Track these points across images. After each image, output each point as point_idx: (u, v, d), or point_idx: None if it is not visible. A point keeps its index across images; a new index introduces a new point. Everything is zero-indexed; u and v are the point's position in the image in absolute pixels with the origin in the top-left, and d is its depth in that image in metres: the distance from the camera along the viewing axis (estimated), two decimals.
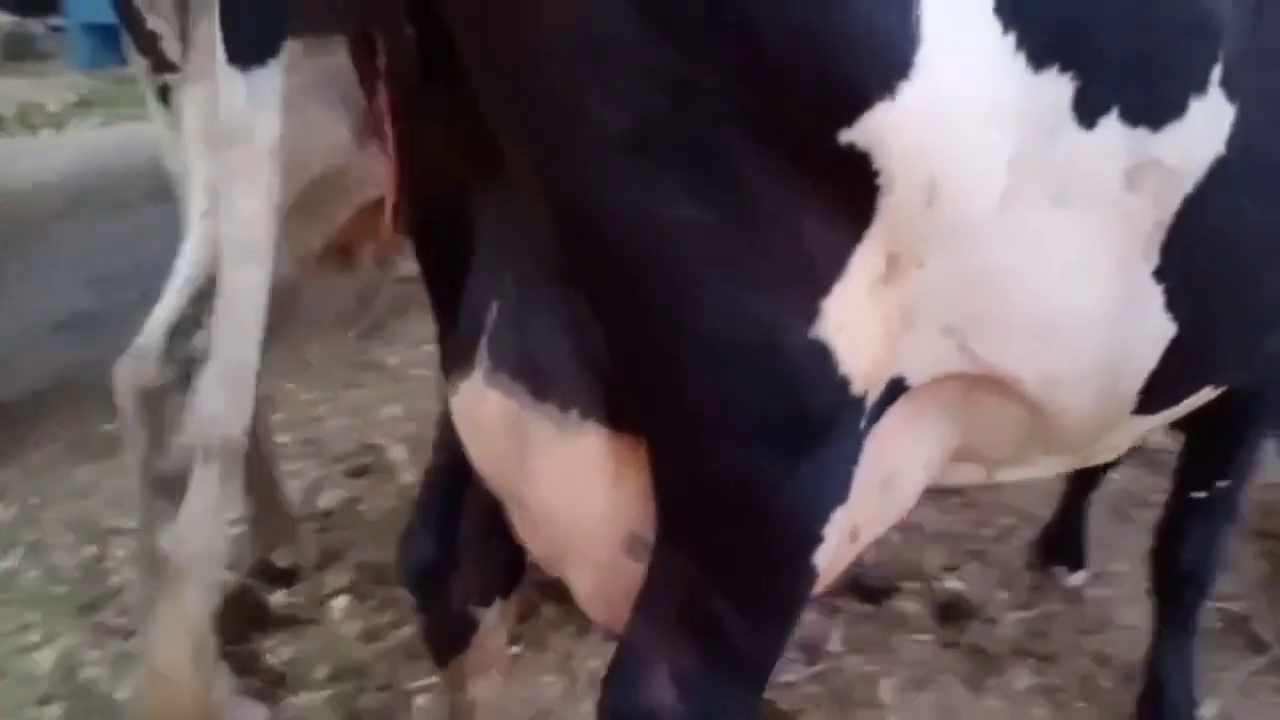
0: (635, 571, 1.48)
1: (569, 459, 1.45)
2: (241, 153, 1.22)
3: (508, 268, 1.46)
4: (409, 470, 3.40)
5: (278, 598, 2.79)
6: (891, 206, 1.23)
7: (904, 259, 1.31)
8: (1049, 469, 1.94)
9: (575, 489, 1.47)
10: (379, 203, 2.42)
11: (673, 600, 1.44)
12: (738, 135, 1.15)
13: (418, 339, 4.29)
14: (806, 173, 1.19)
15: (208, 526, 1.42)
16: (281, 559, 2.85)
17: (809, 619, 2.55)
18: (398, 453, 3.50)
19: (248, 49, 1.23)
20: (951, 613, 2.75)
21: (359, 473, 3.38)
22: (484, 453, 1.55)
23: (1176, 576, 2.28)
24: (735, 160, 1.17)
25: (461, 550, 1.82)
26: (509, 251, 1.45)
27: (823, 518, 1.41)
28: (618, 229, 1.21)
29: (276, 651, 2.61)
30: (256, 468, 2.69)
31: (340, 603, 2.79)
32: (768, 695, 2.35)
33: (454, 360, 1.57)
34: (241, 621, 2.56)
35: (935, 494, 1.68)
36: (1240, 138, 1.39)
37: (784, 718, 2.39)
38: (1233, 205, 1.46)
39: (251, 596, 2.72)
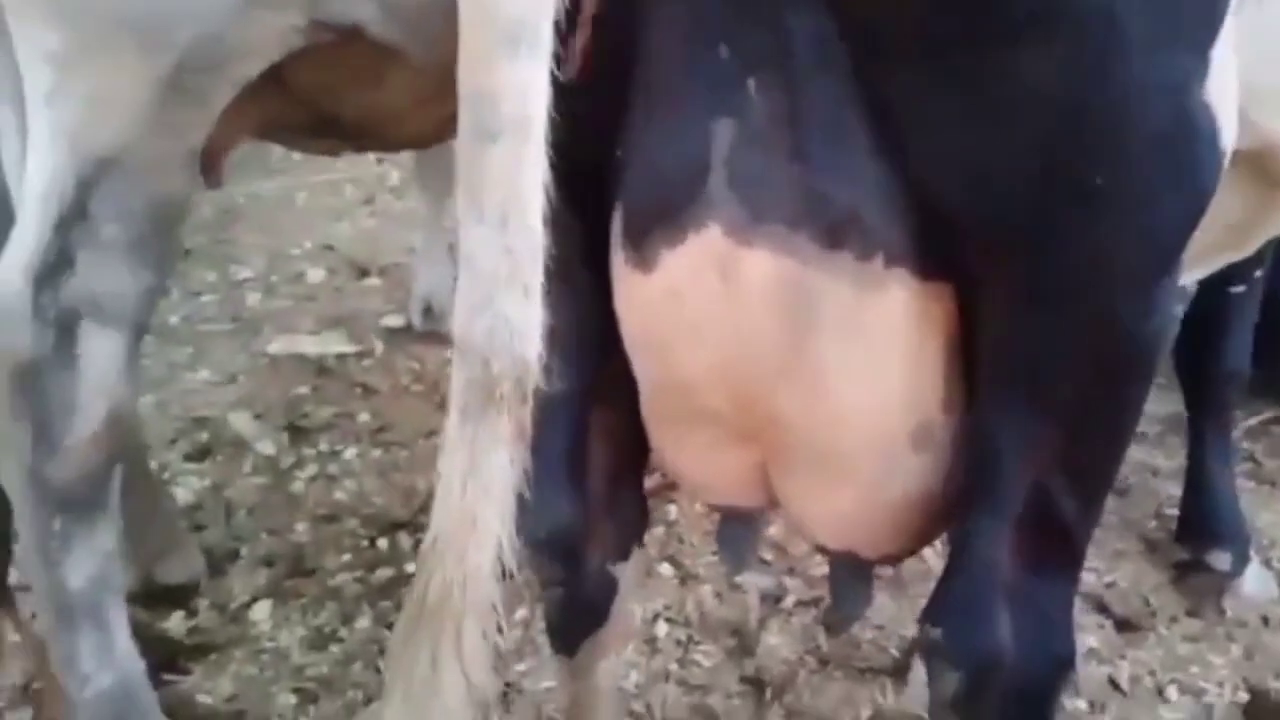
0: (913, 471, 1.16)
1: (865, 325, 1.07)
2: None
3: (749, 69, 1.01)
4: (264, 439, 2.76)
5: (175, 624, 2.14)
6: None
7: None
8: (1194, 277, 1.76)
9: (868, 366, 1.09)
10: (267, 82, 1.84)
11: (1016, 495, 1.11)
12: None
13: (192, 289, 3.54)
14: None
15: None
16: (168, 575, 2.18)
17: None
18: (240, 420, 2.83)
19: None
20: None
21: (203, 454, 2.69)
22: (718, 344, 1.11)
23: (1220, 375, 2.18)
24: None
25: (590, 499, 1.36)
26: (752, 45, 1.01)
27: (1165, 346, 1.14)
28: None
29: (207, 690, 1.99)
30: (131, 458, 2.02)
31: (261, 611, 2.19)
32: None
33: (640, 229, 1.12)
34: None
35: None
36: None
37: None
38: None
39: (144, 630, 2.06)
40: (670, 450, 1.32)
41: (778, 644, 2.11)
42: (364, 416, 2.87)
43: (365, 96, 2.12)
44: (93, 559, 1.64)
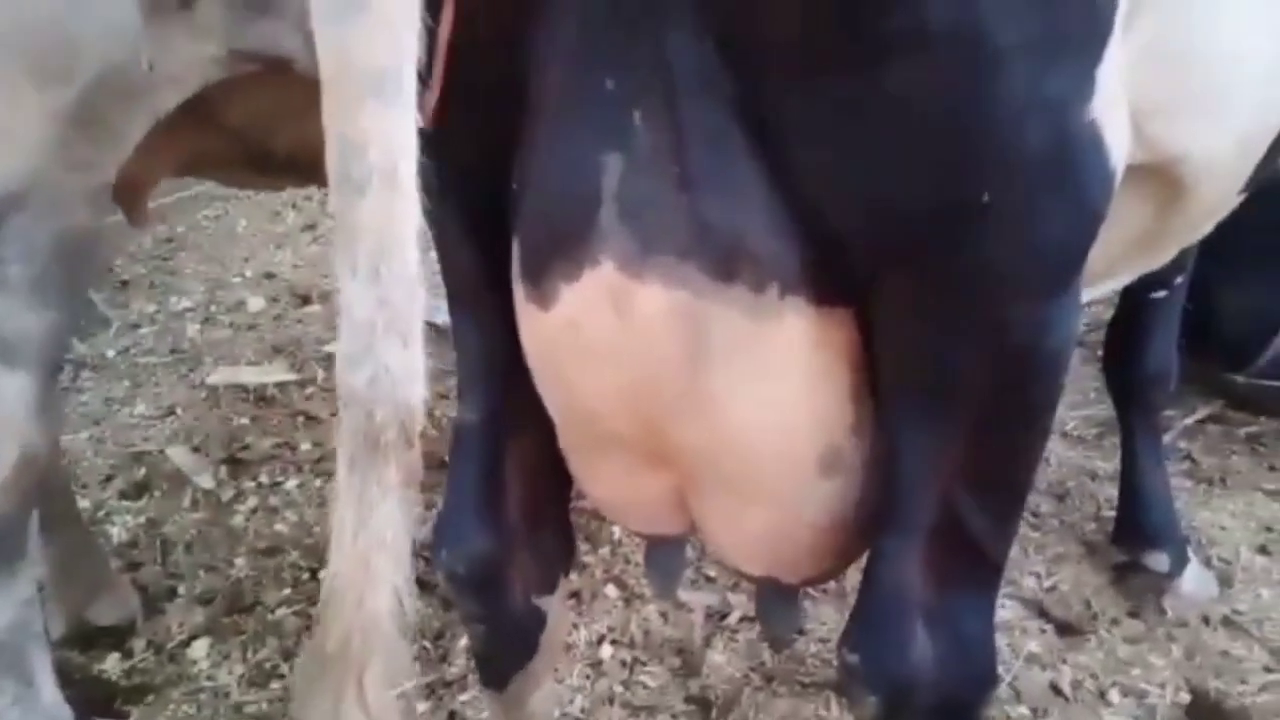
0: (825, 495, 1.15)
1: (763, 355, 1.07)
2: None
3: (634, 101, 1.01)
4: (203, 472, 2.72)
5: (112, 665, 2.10)
6: None
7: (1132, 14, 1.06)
8: (1111, 288, 1.77)
9: (769, 394, 1.09)
10: (187, 113, 1.81)
11: (924, 511, 1.11)
12: None
13: (131, 321, 3.50)
14: None
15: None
16: (101, 616, 2.14)
17: None
18: (178, 454, 2.79)
19: None
20: None
21: (140, 490, 2.65)
22: (619, 377, 1.11)
23: (1146, 380, 2.21)
24: None
25: (510, 531, 1.35)
26: (636, 76, 1.00)
27: (1067, 364, 1.14)
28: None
29: None
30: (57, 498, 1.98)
31: (199, 648, 2.15)
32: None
33: (536, 265, 1.11)
34: (78, 710, 1.87)
35: None
36: None
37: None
38: None
39: (78, 673, 2.02)
40: (588, 478, 1.31)
41: (722, 662, 2.10)
42: (305, 446, 2.84)
43: (303, 129, 2.09)
44: (12, 606, 1.60)
